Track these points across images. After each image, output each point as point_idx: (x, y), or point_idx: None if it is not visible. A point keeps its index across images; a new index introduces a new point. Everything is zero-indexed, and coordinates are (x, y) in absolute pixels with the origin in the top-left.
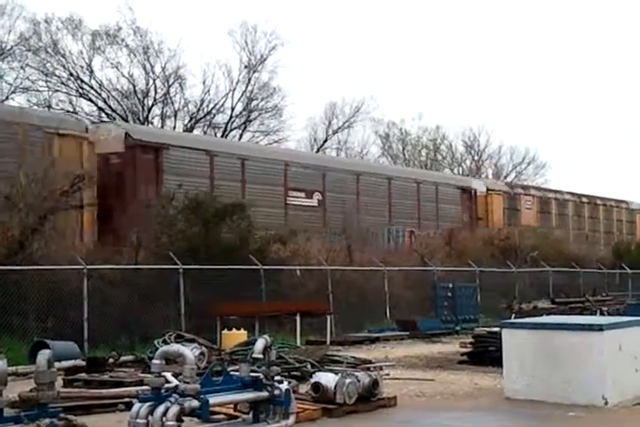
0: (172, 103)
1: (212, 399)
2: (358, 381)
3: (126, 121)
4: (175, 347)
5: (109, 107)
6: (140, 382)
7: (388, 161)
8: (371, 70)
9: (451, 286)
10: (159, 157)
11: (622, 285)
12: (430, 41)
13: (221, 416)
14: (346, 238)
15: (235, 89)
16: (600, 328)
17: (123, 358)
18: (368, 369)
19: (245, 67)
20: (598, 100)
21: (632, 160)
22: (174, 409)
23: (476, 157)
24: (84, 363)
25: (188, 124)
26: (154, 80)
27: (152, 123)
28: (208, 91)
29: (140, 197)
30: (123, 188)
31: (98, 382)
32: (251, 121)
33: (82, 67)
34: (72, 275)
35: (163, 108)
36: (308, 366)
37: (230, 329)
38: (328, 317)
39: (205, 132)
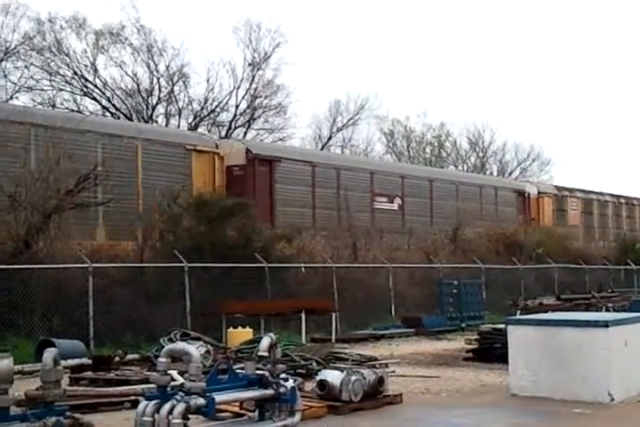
0: (177, 101)
1: (218, 397)
2: (364, 378)
3: (130, 120)
4: (181, 345)
5: (113, 105)
6: (146, 381)
7: (392, 158)
8: (375, 67)
9: (456, 282)
10: (272, 169)
11: (628, 281)
12: (434, 38)
13: (227, 414)
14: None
15: (239, 87)
16: (606, 324)
17: (128, 357)
18: (374, 366)
19: (249, 64)
20: (602, 96)
21: (636, 156)
22: (180, 407)
23: (480, 154)
24: (89, 361)
25: (192, 123)
26: (158, 79)
27: (156, 121)
28: (212, 89)
29: (259, 202)
30: (245, 194)
31: (104, 381)
32: (255, 119)
33: (86, 66)
34: (78, 273)
35: (167, 106)
36: (314, 364)
37: (236, 327)
38: (333, 314)
39: (210, 131)
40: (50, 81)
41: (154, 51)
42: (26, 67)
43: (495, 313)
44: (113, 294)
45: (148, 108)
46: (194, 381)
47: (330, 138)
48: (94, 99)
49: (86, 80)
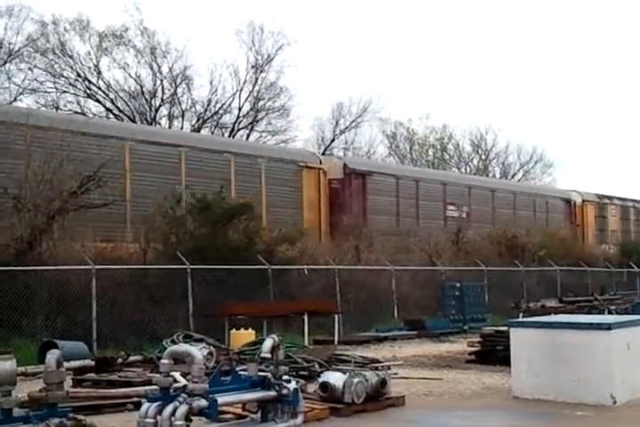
0: (180, 104)
1: (221, 399)
2: (366, 380)
3: (134, 122)
4: (183, 347)
5: (117, 107)
6: (149, 382)
7: (395, 161)
8: (378, 70)
9: (458, 285)
10: (365, 182)
11: (630, 283)
12: (437, 40)
13: (230, 416)
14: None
15: (242, 89)
16: (608, 327)
17: (131, 358)
18: (376, 368)
19: (252, 67)
20: (605, 98)
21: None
22: (183, 409)
23: (483, 156)
24: (92, 363)
25: (196, 125)
26: (161, 81)
27: (159, 123)
28: (215, 91)
29: (354, 210)
30: (343, 203)
31: (107, 382)
32: (258, 121)
33: (89, 68)
34: (81, 275)
35: (170, 108)
36: (316, 366)
37: (238, 329)
38: (336, 316)
39: (213, 133)
40: (53, 83)
41: (157, 53)
42: (29, 69)
43: (498, 315)
44: (116, 296)
45: (151, 109)
46: (196, 382)
47: (332, 140)
48: (98, 101)
49: (90, 82)
